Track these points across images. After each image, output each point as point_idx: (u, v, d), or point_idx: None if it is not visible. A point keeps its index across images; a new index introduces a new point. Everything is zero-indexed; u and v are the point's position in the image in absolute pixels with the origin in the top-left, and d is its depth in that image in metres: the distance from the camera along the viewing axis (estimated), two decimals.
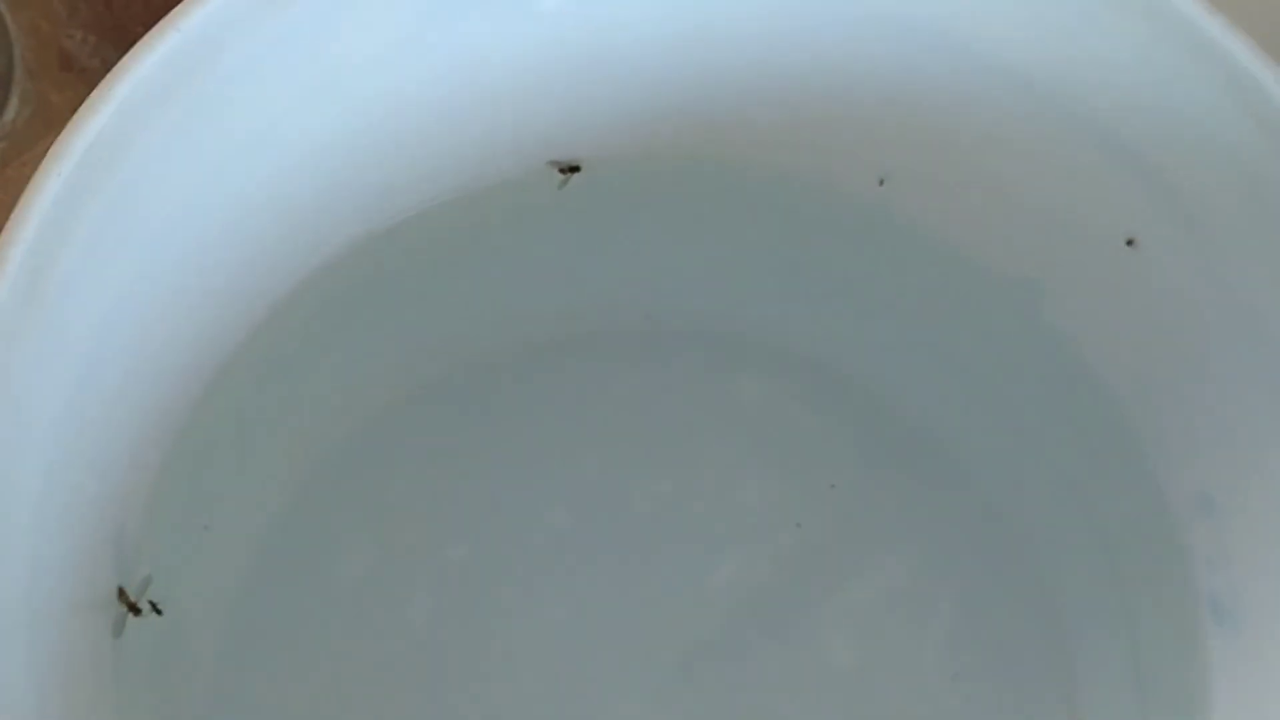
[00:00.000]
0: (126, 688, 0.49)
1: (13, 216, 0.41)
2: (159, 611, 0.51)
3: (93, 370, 0.45)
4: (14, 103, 0.67)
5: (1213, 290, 0.49)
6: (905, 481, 0.61)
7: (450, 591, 0.60)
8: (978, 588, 0.60)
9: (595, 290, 0.61)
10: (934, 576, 0.60)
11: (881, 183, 0.55)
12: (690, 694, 0.59)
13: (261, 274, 0.52)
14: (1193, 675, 0.53)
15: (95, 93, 0.42)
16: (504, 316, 0.61)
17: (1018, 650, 0.59)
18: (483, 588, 0.60)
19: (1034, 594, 0.59)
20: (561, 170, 0.55)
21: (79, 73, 0.68)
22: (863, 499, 0.61)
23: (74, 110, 0.68)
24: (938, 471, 0.61)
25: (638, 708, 0.59)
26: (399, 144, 0.52)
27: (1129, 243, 0.50)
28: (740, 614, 0.60)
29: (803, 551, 0.60)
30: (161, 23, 0.43)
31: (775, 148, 0.55)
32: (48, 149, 0.66)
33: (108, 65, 0.68)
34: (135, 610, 0.50)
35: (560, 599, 0.60)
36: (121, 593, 0.50)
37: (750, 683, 0.59)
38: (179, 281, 0.48)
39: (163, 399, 0.50)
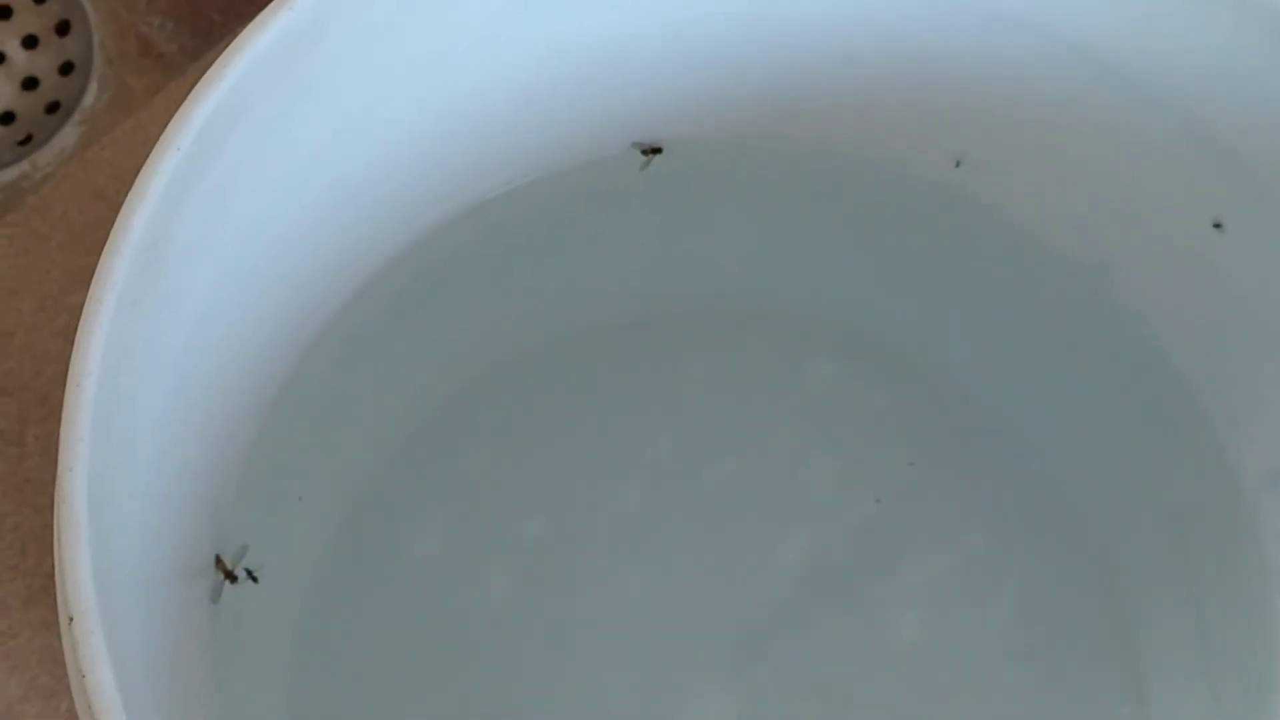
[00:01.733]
0: (223, 650, 0.50)
1: (133, 189, 0.42)
2: (255, 579, 0.52)
3: (201, 341, 0.46)
4: (93, 88, 0.68)
5: None
6: (976, 460, 0.62)
7: (525, 565, 0.61)
8: (1045, 563, 0.61)
9: (672, 271, 0.62)
10: (1003, 552, 0.61)
11: (958, 165, 0.56)
12: (762, 666, 0.60)
13: (355, 249, 0.53)
14: (1262, 649, 0.54)
15: (213, 68, 0.43)
16: (581, 297, 0.62)
17: (1085, 625, 0.60)
18: (557, 563, 0.61)
19: (1101, 570, 0.60)
20: (644, 152, 0.57)
21: (156, 58, 0.69)
22: (933, 482, 0.62)
23: (152, 95, 0.70)
24: (1008, 450, 0.62)
25: (710, 680, 0.60)
26: (488, 126, 0.53)
27: (1216, 225, 0.51)
28: (810, 590, 0.61)
29: (873, 531, 0.61)
30: (274, 2, 0.44)
31: (853, 130, 0.56)
32: (126, 132, 0.68)
33: (185, 51, 0.70)
34: (232, 578, 0.51)
35: (634, 574, 0.61)
36: (219, 560, 0.51)
37: (821, 656, 0.60)
38: (279, 255, 0.49)
39: (260, 370, 0.51)
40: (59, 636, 0.39)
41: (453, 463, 0.61)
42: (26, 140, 0.67)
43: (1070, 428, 0.61)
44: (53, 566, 0.41)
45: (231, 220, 0.46)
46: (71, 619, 0.37)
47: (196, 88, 0.43)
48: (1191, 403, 0.56)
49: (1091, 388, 0.60)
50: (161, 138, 0.42)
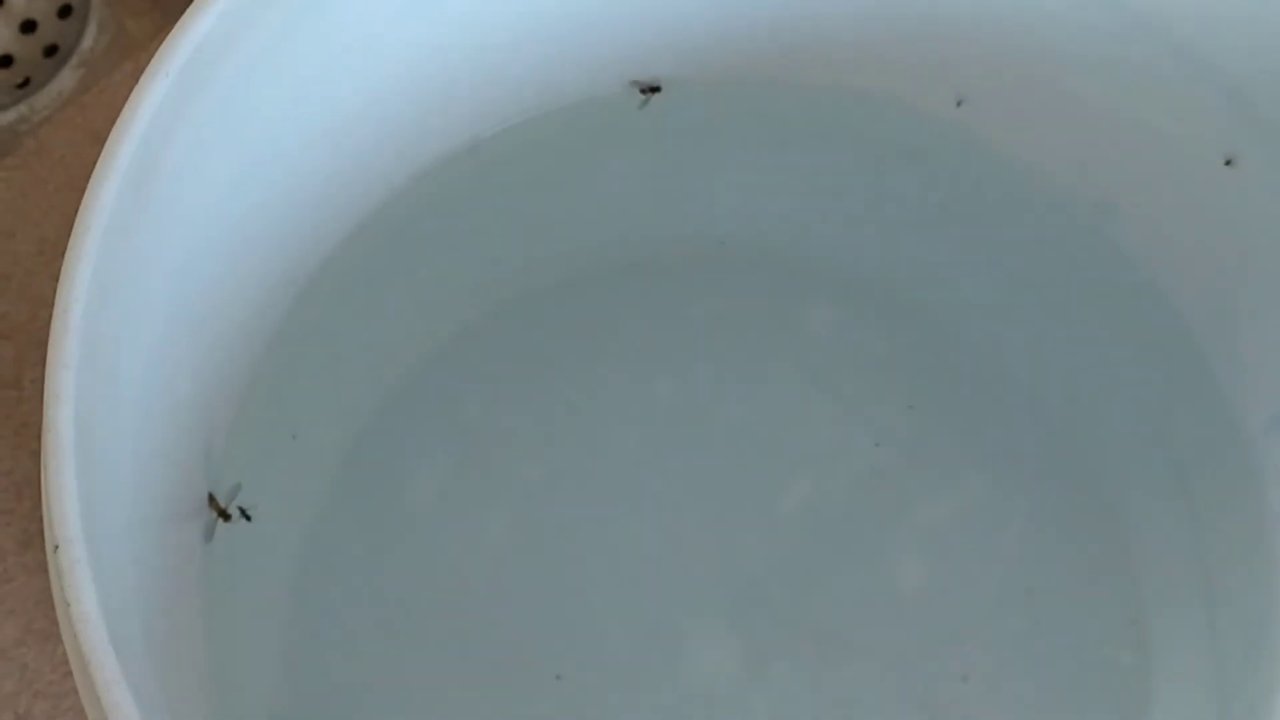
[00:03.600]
0: (214, 589, 0.50)
1: (121, 116, 0.41)
2: (248, 518, 0.52)
3: (193, 270, 0.46)
4: (92, 30, 0.68)
5: None
6: (978, 403, 0.62)
7: (525, 508, 0.60)
8: (1048, 507, 0.61)
9: (671, 213, 0.62)
10: (1005, 496, 0.61)
11: (959, 104, 0.55)
12: (762, 611, 0.59)
13: (350, 186, 0.53)
14: (1263, 592, 0.53)
15: None
16: (580, 238, 0.62)
17: (1085, 572, 0.60)
18: (556, 506, 0.61)
19: (1103, 514, 0.60)
20: (643, 90, 0.56)
21: (154, 2, 0.69)
22: (935, 425, 0.62)
23: (151, 38, 0.69)
24: (1009, 393, 0.62)
25: (710, 624, 0.59)
26: (484, 62, 0.53)
27: (1227, 163, 0.50)
28: (812, 535, 0.60)
29: (875, 476, 0.61)
30: None
31: (853, 69, 0.55)
32: (125, 76, 0.67)
33: None
34: (225, 516, 0.51)
35: (633, 518, 0.61)
36: (212, 499, 0.51)
37: (820, 600, 0.60)
38: (272, 189, 0.49)
39: (255, 305, 0.51)
40: None
41: (451, 404, 0.61)
42: (25, 83, 0.67)
43: (1072, 371, 0.61)
44: None
45: (223, 151, 0.46)
46: (57, 547, 0.37)
47: (185, 15, 0.42)
48: (1194, 347, 0.55)
49: (1093, 331, 0.59)
50: (150, 65, 0.42)
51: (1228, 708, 0.54)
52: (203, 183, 0.45)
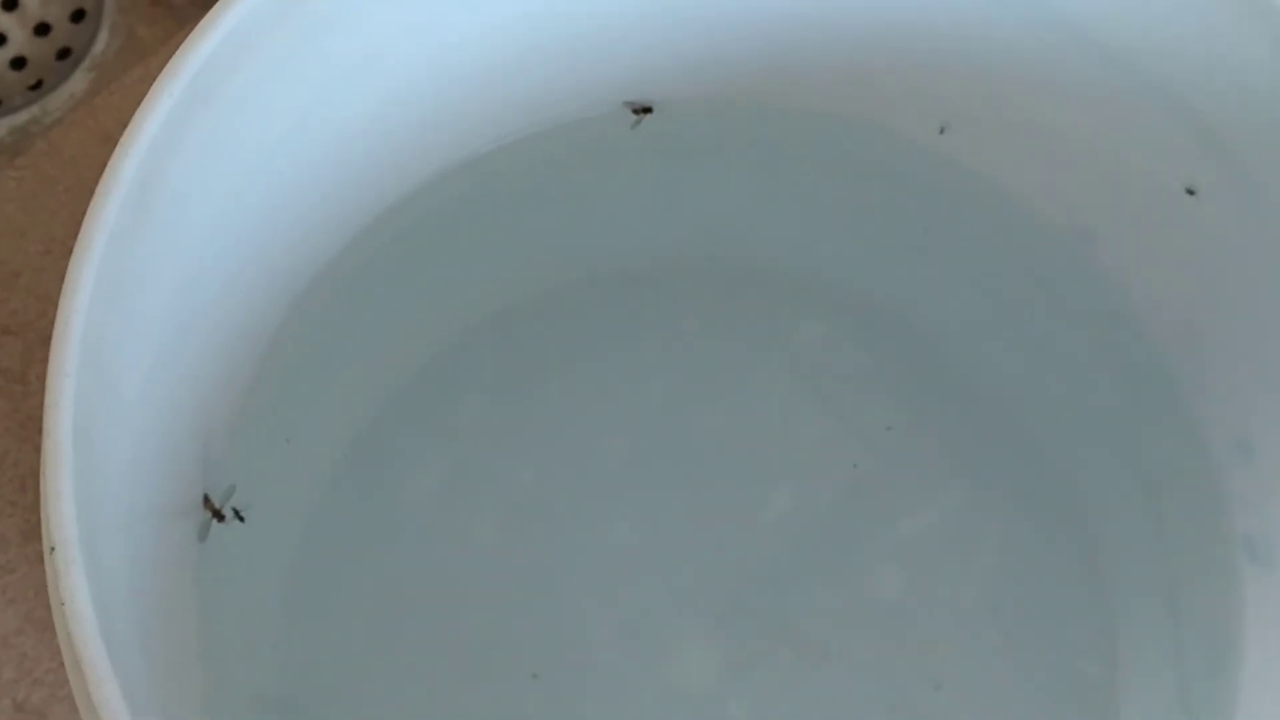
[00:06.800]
0: (208, 588, 0.51)
1: (126, 131, 0.43)
2: (241, 518, 0.53)
3: (193, 279, 0.47)
4: (104, 35, 0.69)
5: (1262, 240, 0.51)
6: (955, 423, 0.63)
7: (516, 513, 0.62)
8: (1021, 526, 0.62)
9: (662, 229, 0.63)
10: (979, 515, 0.62)
11: (942, 130, 0.57)
12: (743, 618, 0.61)
13: (349, 199, 0.54)
14: (1227, 612, 0.55)
15: (209, 14, 0.43)
16: (573, 251, 0.63)
17: (1057, 587, 0.61)
18: (547, 510, 0.62)
19: (1074, 533, 0.61)
20: (635, 111, 0.57)
21: (166, 7, 0.70)
22: (916, 440, 0.63)
23: (162, 44, 0.71)
24: (986, 413, 0.63)
25: (690, 629, 0.61)
26: (481, 82, 0.54)
27: (1189, 191, 0.52)
28: (792, 544, 0.62)
29: (856, 488, 0.62)
30: None
31: (841, 95, 0.57)
32: (135, 80, 0.69)
33: (195, 0, 0.71)
34: (219, 516, 0.52)
35: (620, 523, 0.62)
36: (207, 499, 0.52)
37: (801, 609, 0.61)
38: (275, 200, 0.50)
39: (253, 312, 0.52)
40: None
41: (446, 410, 0.62)
42: (37, 85, 0.68)
43: (1049, 391, 0.62)
44: None
45: (226, 165, 0.47)
46: (53, 548, 0.38)
47: (194, 32, 0.43)
48: (1165, 370, 0.57)
49: (1070, 353, 0.61)
50: (158, 80, 0.43)
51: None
52: (203, 197, 0.46)
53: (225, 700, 0.52)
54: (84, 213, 0.42)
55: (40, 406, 0.63)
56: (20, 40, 0.69)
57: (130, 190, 0.42)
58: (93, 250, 0.41)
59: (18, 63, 0.68)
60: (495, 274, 0.63)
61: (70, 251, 0.63)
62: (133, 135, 0.42)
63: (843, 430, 0.63)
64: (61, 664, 0.59)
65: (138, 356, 0.44)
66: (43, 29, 0.69)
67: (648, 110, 0.57)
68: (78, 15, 0.69)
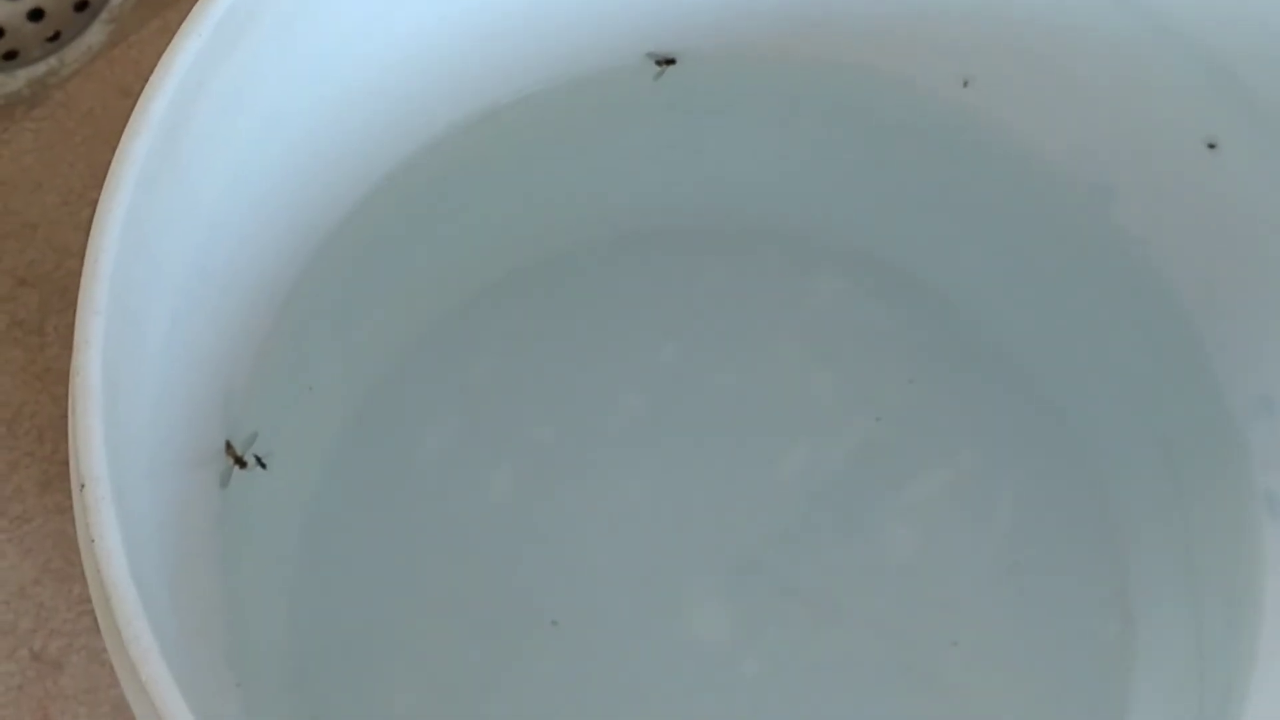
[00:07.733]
0: (230, 535, 0.52)
1: (153, 76, 0.43)
2: (263, 465, 0.53)
3: (216, 225, 0.47)
4: None
5: None
6: (973, 380, 0.63)
7: (531, 468, 0.62)
8: (1037, 484, 0.62)
9: (680, 185, 0.63)
10: (996, 473, 0.62)
11: (966, 85, 0.57)
12: (757, 576, 0.61)
13: (369, 148, 0.54)
14: (1248, 570, 0.55)
15: None
16: (593, 206, 0.63)
17: (1074, 545, 0.61)
18: (562, 467, 0.62)
19: (1093, 490, 0.61)
20: (658, 62, 0.57)
21: None
22: (933, 398, 0.63)
23: None
24: (1005, 370, 0.63)
25: (705, 584, 0.61)
26: (501, 32, 0.54)
27: (1210, 146, 0.52)
28: (807, 502, 0.62)
29: (872, 446, 0.62)
30: None
31: (864, 47, 0.57)
32: (153, 32, 0.69)
33: None
34: (241, 463, 0.52)
35: (636, 481, 0.62)
36: (229, 446, 0.52)
37: (815, 568, 0.61)
38: (294, 149, 0.50)
39: (275, 260, 0.52)
40: (73, 522, 0.40)
41: (463, 365, 0.62)
42: (55, 37, 0.68)
43: (1068, 349, 0.62)
44: (68, 454, 0.42)
45: (249, 111, 0.47)
46: (84, 485, 0.38)
47: None
48: (1186, 327, 0.56)
49: (1090, 310, 0.61)
50: (183, 25, 0.43)
51: (1207, 678, 0.56)
52: (227, 142, 0.46)
53: (245, 650, 0.52)
54: (102, 165, 0.42)
55: (58, 358, 0.64)
56: None
57: (159, 131, 0.42)
58: (122, 189, 0.41)
59: (35, 14, 0.68)
60: (513, 229, 0.62)
61: (88, 203, 0.63)
62: (162, 74, 0.42)
63: (860, 388, 0.63)
64: (78, 615, 0.59)
65: (162, 297, 0.44)
66: None
67: (671, 62, 0.57)
68: None
